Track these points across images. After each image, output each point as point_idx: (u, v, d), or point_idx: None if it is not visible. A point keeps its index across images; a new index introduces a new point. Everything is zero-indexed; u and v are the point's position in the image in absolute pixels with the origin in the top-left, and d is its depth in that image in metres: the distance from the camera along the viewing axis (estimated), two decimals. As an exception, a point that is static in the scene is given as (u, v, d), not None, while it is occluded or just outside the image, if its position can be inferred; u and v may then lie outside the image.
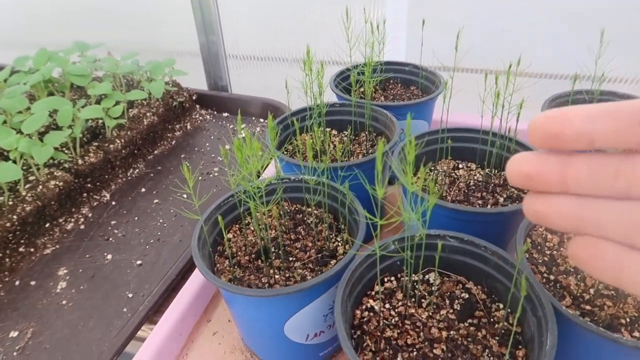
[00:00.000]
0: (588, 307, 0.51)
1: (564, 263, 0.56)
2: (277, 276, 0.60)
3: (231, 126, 1.24)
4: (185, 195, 0.99)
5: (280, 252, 0.63)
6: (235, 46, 1.42)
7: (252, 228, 0.67)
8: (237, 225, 0.68)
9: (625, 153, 0.27)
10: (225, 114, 1.29)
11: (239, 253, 0.64)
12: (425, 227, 0.53)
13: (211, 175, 1.05)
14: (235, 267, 0.62)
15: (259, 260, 0.62)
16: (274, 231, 0.67)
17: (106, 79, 1.11)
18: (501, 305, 0.55)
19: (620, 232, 0.27)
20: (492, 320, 0.53)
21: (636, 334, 0.47)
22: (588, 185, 0.27)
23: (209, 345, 0.70)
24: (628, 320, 0.49)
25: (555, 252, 0.58)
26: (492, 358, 0.49)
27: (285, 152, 0.82)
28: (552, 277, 0.55)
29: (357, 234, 0.59)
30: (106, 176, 1.01)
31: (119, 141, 1.03)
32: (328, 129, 0.89)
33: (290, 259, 0.63)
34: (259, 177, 0.90)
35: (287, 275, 0.60)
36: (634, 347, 0.44)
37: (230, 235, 0.67)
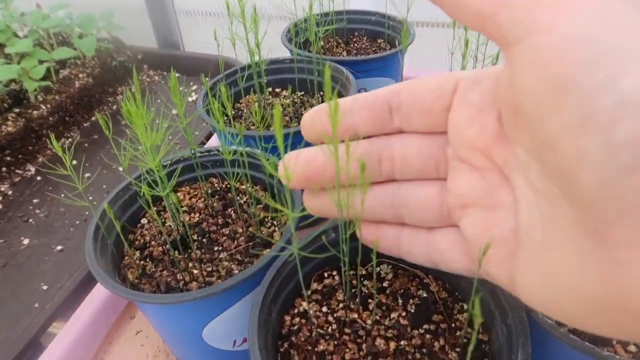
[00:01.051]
0: (571, 311, 0.40)
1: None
2: (195, 271, 0.49)
3: (182, 88, 1.10)
4: (121, 169, 0.87)
5: (203, 240, 0.52)
6: (187, 1, 1.27)
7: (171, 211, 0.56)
8: (154, 208, 0.56)
9: (383, 138, 0.29)
10: (177, 74, 1.15)
11: (152, 243, 0.52)
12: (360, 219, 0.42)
13: (132, 160, 0.93)
14: (147, 260, 0.51)
15: (176, 251, 0.51)
16: (198, 214, 0.55)
17: (31, 35, 0.97)
18: (465, 306, 0.44)
19: (391, 213, 0.31)
20: (453, 325, 0.43)
21: (632, 347, 0.37)
22: (360, 176, 0.28)
23: (130, 346, 0.59)
24: (621, 327, 0.39)
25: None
26: (450, 376, 0.39)
27: (226, 118, 0.69)
28: (528, 271, 0.44)
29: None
30: (30, 147, 0.88)
31: (44, 107, 0.89)
32: (278, 89, 0.76)
33: (216, 248, 0.52)
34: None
35: (209, 269, 0.49)
36: (629, 369, 0.34)
37: (144, 221, 0.55)
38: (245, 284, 0.43)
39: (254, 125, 0.67)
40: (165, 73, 1.17)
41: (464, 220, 0.28)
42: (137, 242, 0.52)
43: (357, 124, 0.28)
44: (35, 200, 0.82)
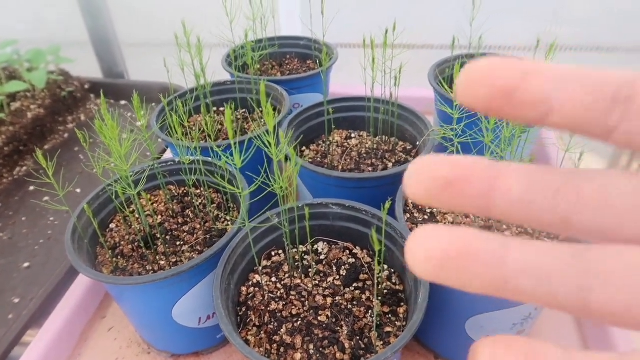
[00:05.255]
0: (462, 259, 0.52)
1: (443, 220, 0.58)
2: (162, 262, 0.58)
3: (129, 114, 1.17)
4: (79, 190, 0.94)
5: (166, 237, 0.61)
6: (135, 33, 1.35)
7: (137, 216, 0.64)
8: (120, 215, 0.64)
9: (571, 170, 0.18)
10: (123, 102, 1.23)
11: (122, 243, 0.60)
12: (294, 197, 0.52)
13: (106, 167, 1.00)
14: (118, 257, 0.59)
15: (144, 248, 0.60)
16: (160, 217, 0.64)
17: (-20, 72, 1.02)
18: (385, 267, 0.56)
19: (572, 285, 0.16)
20: (376, 281, 0.54)
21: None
22: (520, 205, 0.17)
23: (103, 342, 0.66)
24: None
25: (435, 210, 0.59)
26: (374, 317, 0.50)
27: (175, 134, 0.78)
28: (431, 234, 0.56)
29: (240, 209, 0.58)
30: (-13, 177, 0.93)
31: (-1, 138, 0.95)
32: (222, 108, 0.86)
33: (178, 243, 0.60)
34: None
35: (174, 260, 0.58)
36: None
37: (113, 225, 0.63)
38: (208, 263, 0.52)
39: (201, 140, 0.77)
40: (112, 101, 1.23)
41: None
42: (108, 244, 0.61)
43: (555, 99, 0.17)
44: (-4, 225, 0.87)
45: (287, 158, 0.68)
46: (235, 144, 0.40)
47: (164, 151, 0.97)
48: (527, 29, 1.15)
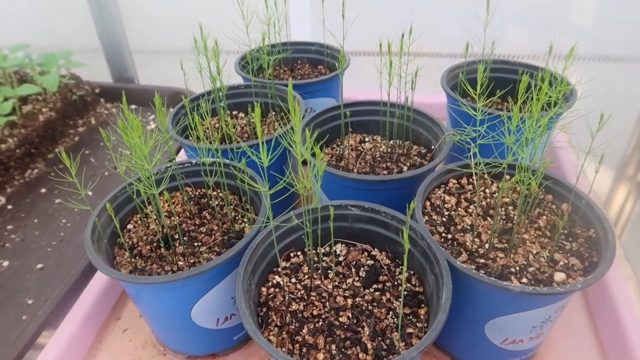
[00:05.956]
0: (482, 261, 0.53)
1: (461, 222, 0.58)
2: (180, 262, 0.58)
3: (139, 118, 1.18)
4: (90, 192, 0.94)
5: (184, 238, 0.61)
6: (145, 41, 1.36)
7: (154, 217, 0.64)
8: (137, 215, 0.64)
9: None
10: (133, 106, 1.23)
11: (140, 243, 0.61)
12: (318, 198, 0.53)
13: (118, 170, 1.00)
14: (137, 257, 0.59)
15: (162, 249, 0.60)
16: (178, 218, 0.64)
17: (-7, 75, 1.02)
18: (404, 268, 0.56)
19: None
20: (396, 283, 0.54)
21: (524, 280, 0.50)
22: None
23: (118, 343, 0.66)
24: (517, 268, 0.51)
25: (453, 212, 0.60)
26: (395, 319, 0.50)
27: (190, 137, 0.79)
28: (449, 236, 0.56)
29: (259, 210, 0.58)
30: (-1, 179, 0.93)
31: (11, 140, 0.95)
32: (235, 112, 0.87)
33: (196, 244, 0.61)
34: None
35: (192, 260, 0.58)
36: (521, 292, 0.46)
37: (130, 226, 0.63)
38: (228, 263, 0.52)
39: (215, 142, 0.77)
40: (121, 105, 1.24)
41: None
42: (126, 244, 0.61)
43: None
44: (9, 227, 0.87)
45: (304, 162, 0.68)
46: (263, 143, 0.40)
47: (176, 152, 0.98)
48: (535, 38, 1.16)
